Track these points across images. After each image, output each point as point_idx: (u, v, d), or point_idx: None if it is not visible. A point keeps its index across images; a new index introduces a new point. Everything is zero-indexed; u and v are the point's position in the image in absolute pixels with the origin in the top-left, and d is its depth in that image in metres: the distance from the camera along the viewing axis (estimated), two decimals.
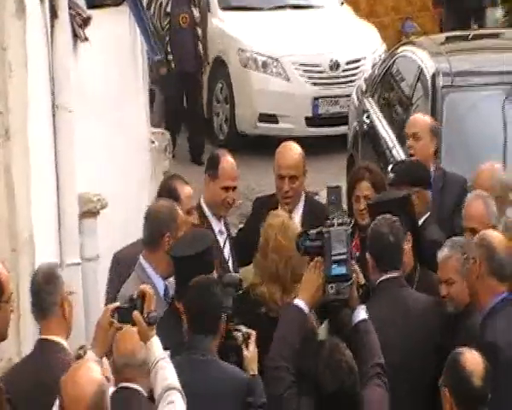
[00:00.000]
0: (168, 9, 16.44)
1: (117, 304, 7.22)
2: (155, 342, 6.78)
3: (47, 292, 7.44)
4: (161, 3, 16.39)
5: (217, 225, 9.55)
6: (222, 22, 18.66)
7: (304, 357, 7.04)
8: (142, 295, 6.92)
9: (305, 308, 7.17)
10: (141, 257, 8.55)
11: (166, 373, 6.68)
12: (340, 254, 7.06)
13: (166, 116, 16.43)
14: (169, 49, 16.28)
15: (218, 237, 9.45)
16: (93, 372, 6.12)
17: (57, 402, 6.24)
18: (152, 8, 16.44)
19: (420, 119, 11.24)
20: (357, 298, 7.28)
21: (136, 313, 6.77)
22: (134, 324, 6.87)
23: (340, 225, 7.33)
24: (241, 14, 18.35)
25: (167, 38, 16.28)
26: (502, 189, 9.58)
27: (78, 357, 7.73)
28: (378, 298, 7.92)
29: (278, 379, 6.98)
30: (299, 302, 7.17)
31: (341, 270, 7.05)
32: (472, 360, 6.74)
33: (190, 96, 16.62)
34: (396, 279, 7.91)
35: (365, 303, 7.49)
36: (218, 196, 9.62)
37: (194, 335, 7.41)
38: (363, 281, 7.58)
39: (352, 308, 7.25)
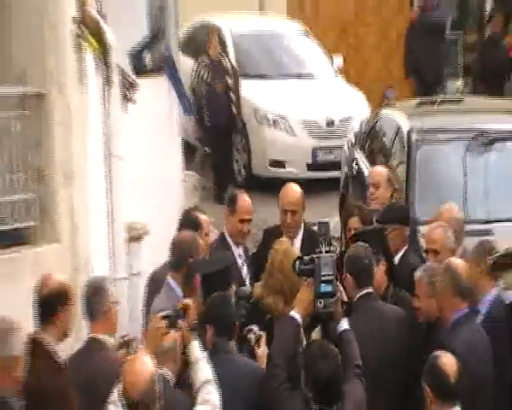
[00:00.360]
0: (208, 80, 16.46)
1: (164, 313, 7.17)
2: (195, 345, 6.93)
3: (94, 301, 7.43)
4: (202, 76, 16.52)
5: (236, 250, 9.52)
6: (241, 88, 18.77)
7: (296, 357, 7.13)
8: (185, 307, 7.09)
9: (299, 319, 7.24)
10: (168, 277, 8.49)
11: (204, 370, 6.78)
12: (327, 275, 7.18)
13: (213, 167, 16.61)
14: (207, 111, 16.27)
15: (238, 260, 9.46)
16: (146, 364, 6.34)
17: (118, 387, 6.44)
18: (195, 78, 16.72)
19: (378, 170, 11.38)
20: (341, 312, 7.38)
21: (180, 321, 6.93)
22: (178, 329, 6.99)
23: (327, 252, 7.42)
24: (256, 82, 18.42)
25: (206, 102, 16.30)
26: (457, 224, 9.57)
27: (121, 344, 7.98)
28: (357, 311, 8.02)
29: (275, 375, 6.99)
30: (295, 314, 7.22)
31: (328, 288, 7.17)
32: (447, 362, 6.84)
33: (223, 149, 16.50)
34: (371, 294, 8.04)
35: (347, 317, 7.56)
36: (236, 227, 9.63)
37: (217, 338, 7.32)
38: (345, 298, 7.73)
39: (336, 320, 7.30)
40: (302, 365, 6.83)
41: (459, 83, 20.11)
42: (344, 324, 7.32)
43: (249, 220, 9.76)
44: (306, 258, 7.41)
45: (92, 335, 7.38)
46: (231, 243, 9.52)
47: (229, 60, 16.93)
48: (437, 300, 7.89)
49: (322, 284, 7.12)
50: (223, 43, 18.85)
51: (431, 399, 6.98)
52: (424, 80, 19.35)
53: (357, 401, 6.84)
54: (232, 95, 16.27)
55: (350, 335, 7.32)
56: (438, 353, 7.08)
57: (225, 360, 7.26)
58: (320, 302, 7.11)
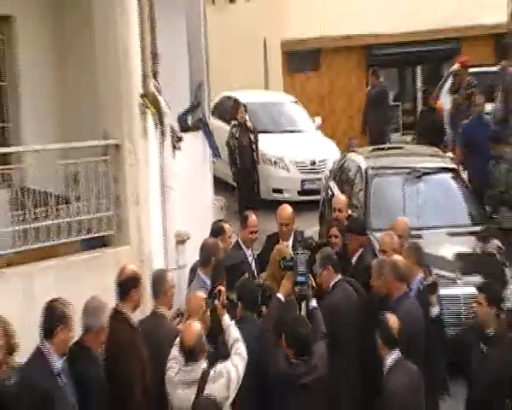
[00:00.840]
0: (237, 136, 16.40)
1: (205, 296, 7.32)
2: (226, 318, 6.90)
3: (157, 284, 7.54)
4: (233, 133, 16.44)
5: (247, 252, 9.51)
6: None
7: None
8: (219, 291, 7.07)
9: (282, 298, 7.33)
10: (199, 271, 8.55)
11: (234, 333, 6.72)
12: (302, 270, 7.36)
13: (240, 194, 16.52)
14: (237, 157, 16.25)
15: (249, 258, 9.47)
16: (196, 326, 6.60)
17: (175, 345, 6.72)
18: (229, 135, 16.54)
19: (340, 197, 11.21)
20: (311, 294, 7.49)
21: (216, 302, 6.97)
22: (214, 308, 7.05)
23: (302, 253, 7.63)
24: (262, 135, 18.00)
25: (237, 151, 16.27)
26: (406, 230, 9.59)
27: (177, 315, 8.09)
28: (337, 290, 7.95)
29: (265, 338, 7.06)
30: (280, 295, 7.36)
31: (302, 279, 7.34)
32: (392, 320, 6.98)
33: (249, 183, 16.37)
34: (343, 278, 8.09)
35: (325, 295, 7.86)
36: (247, 236, 9.60)
37: (244, 311, 7.35)
38: (314, 285, 7.82)
39: (308, 300, 7.46)
40: (284, 331, 6.87)
41: (408, 138, 19.92)
42: (313, 303, 7.50)
43: (256, 231, 9.76)
44: (288, 257, 7.63)
45: (155, 309, 7.49)
46: (243, 246, 9.52)
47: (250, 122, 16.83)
48: (384, 282, 7.92)
49: (299, 277, 7.33)
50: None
51: (380, 345, 7.09)
52: (371, 134, 19.16)
53: (321, 355, 6.90)
54: (254, 146, 16.27)
55: (318, 311, 7.45)
56: (386, 314, 7.17)
57: (250, 327, 7.17)
58: (297, 288, 7.35)
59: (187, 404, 6.24)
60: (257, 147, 16.47)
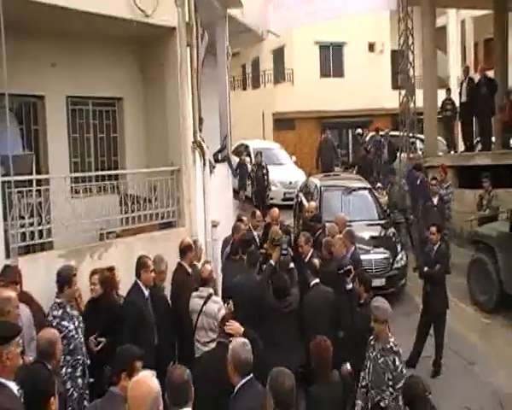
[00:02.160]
0: (255, 170, 16.38)
1: None
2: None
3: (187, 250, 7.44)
4: (253, 169, 16.49)
5: (255, 233, 9.37)
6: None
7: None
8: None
9: (273, 263, 7.13)
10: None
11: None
12: (285, 247, 7.22)
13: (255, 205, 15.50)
14: (255, 184, 16.12)
15: (256, 237, 9.26)
16: (209, 267, 6.74)
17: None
18: (245, 168, 16.67)
19: (312, 204, 10.90)
20: (289, 260, 7.36)
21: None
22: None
23: (285, 237, 7.54)
24: None
25: (255, 181, 16.18)
26: (344, 222, 9.45)
27: (205, 262, 7.73)
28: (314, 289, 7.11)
29: (264, 289, 6.76)
30: (272, 261, 7.15)
31: (285, 252, 7.22)
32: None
33: (261, 199, 15.88)
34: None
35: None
36: (255, 224, 9.51)
37: (249, 269, 7.18)
38: (292, 254, 7.74)
39: (288, 263, 7.26)
40: (271, 283, 6.72)
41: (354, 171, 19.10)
42: (291, 265, 7.32)
43: (259, 221, 9.69)
44: (277, 238, 7.51)
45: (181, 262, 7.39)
46: (253, 230, 9.37)
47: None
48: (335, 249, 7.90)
49: (283, 251, 7.19)
50: (249, 153, 18.78)
51: (361, 291, 6.81)
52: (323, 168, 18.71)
53: (295, 296, 6.66)
54: (265, 177, 16.05)
55: (294, 270, 7.30)
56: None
57: (252, 277, 7.03)
58: (282, 258, 7.20)
59: (197, 307, 6.34)
60: (268, 177, 16.19)
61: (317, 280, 7.08)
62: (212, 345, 5.67)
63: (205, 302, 6.34)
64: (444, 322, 8.71)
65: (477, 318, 9.97)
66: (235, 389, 4.32)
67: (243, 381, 4.31)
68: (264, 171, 16.14)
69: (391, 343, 5.62)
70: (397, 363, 5.53)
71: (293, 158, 20.36)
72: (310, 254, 7.78)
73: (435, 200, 12.09)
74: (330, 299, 6.91)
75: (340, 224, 9.23)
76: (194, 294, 6.56)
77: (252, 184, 16.12)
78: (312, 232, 8.80)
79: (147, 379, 3.09)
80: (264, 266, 7.38)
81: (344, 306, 7.00)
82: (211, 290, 6.50)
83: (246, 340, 4.57)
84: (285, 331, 6.39)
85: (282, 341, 6.30)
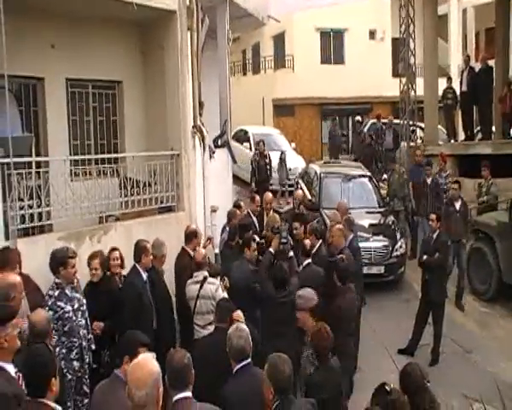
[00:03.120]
0: (257, 159, 15.52)
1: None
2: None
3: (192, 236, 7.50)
4: (255, 158, 15.57)
5: (254, 218, 9.31)
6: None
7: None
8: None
9: (273, 251, 6.97)
10: (226, 225, 8.62)
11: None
12: (284, 236, 7.03)
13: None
14: (256, 173, 15.29)
15: (255, 221, 9.22)
16: (203, 251, 6.80)
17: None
18: (251, 159, 15.75)
19: (300, 193, 10.96)
20: (289, 248, 7.17)
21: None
22: None
23: (284, 225, 7.30)
24: None
25: (257, 169, 15.31)
26: (345, 208, 9.45)
27: (207, 239, 8.13)
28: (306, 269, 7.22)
29: (262, 279, 6.67)
30: (271, 249, 6.99)
31: (284, 241, 7.02)
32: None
33: (264, 184, 14.87)
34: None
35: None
36: (254, 208, 9.48)
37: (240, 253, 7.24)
38: (292, 243, 7.54)
39: (287, 252, 7.08)
40: (270, 273, 6.63)
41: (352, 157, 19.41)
42: (291, 254, 7.13)
43: (259, 205, 9.62)
44: (276, 226, 7.32)
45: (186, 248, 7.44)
46: (252, 214, 9.35)
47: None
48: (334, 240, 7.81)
49: (282, 239, 7.00)
50: (248, 138, 18.79)
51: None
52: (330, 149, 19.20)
53: (294, 285, 6.49)
54: (268, 166, 15.35)
55: (293, 258, 7.11)
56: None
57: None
58: (281, 245, 7.02)
59: (194, 293, 6.34)
60: (271, 167, 15.58)
61: (309, 260, 7.20)
62: (211, 327, 5.65)
63: (201, 286, 6.35)
64: (442, 311, 8.73)
65: (475, 307, 9.99)
66: (233, 373, 4.35)
67: (239, 365, 4.35)
68: (267, 160, 15.53)
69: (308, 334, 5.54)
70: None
71: (293, 144, 20.29)
72: (318, 246, 7.64)
73: (458, 205, 10.70)
74: (320, 278, 6.94)
75: (342, 210, 9.20)
76: (189, 281, 6.52)
77: (253, 173, 15.58)
78: (306, 220, 8.71)
79: (147, 361, 3.08)
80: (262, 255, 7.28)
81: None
82: (205, 273, 6.48)
83: (241, 326, 4.58)
84: (284, 321, 6.27)
85: (282, 331, 6.23)
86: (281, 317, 6.27)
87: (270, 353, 4.22)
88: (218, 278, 6.66)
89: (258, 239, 7.68)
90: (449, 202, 10.91)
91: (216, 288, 6.28)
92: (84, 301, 5.95)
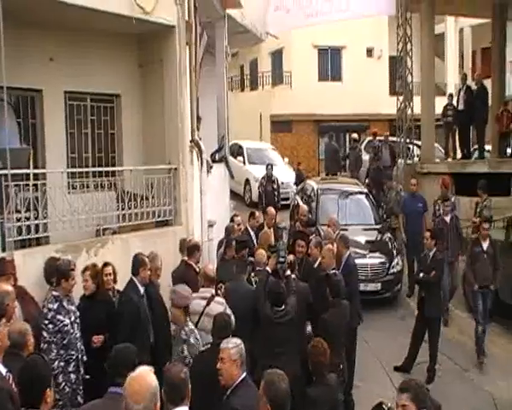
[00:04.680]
0: (264, 184, 15.00)
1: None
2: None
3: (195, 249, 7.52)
4: (261, 183, 15.12)
5: (252, 233, 9.38)
6: (248, 166, 18.58)
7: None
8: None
9: (270, 270, 6.81)
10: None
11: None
12: (282, 255, 6.86)
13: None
14: (264, 198, 14.66)
15: (253, 237, 9.21)
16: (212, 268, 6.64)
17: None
18: (258, 184, 15.44)
19: (305, 207, 11.00)
20: (286, 268, 6.93)
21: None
22: None
23: (281, 243, 7.31)
24: (256, 166, 18.11)
25: (264, 195, 14.71)
26: (337, 224, 9.43)
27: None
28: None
29: (259, 296, 6.51)
30: (268, 268, 6.85)
31: (282, 260, 6.83)
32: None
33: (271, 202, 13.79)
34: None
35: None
36: (253, 224, 9.58)
37: (238, 274, 7.08)
38: (291, 259, 7.28)
39: (285, 272, 6.89)
40: (267, 290, 6.48)
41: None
42: (288, 272, 6.94)
43: (258, 222, 9.68)
44: (273, 244, 7.34)
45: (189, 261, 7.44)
46: (250, 230, 9.40)
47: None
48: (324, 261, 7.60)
49: (280, 258, 6.82)
50: (242, 152, 19.00)
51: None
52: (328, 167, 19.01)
53: (292, 304, 6.38)
54: (276, 192, 14.80)
55: (291, 277, 6.91)
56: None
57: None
58: (279, 265, 6.83)
59: (199, 308, 6.09)
60: (279, 192, 14.91)
61: (293, 275, 7.11)
62: None
63: (207, 303, 6.15)
64: (438, 328, 8.76)
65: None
66: (232, 387, 4.32)
67: (240, 379, 4.30)
68: (275, 186, 14.83)
69: (185, 331, 5.44)
70: (185, 353, 5.37)
71: (286, 159, 20.41)
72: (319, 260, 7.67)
73: (485, 245, 9.55)
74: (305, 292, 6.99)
75: (332, 225, 9.22)
76: (194, 294, 6.24)
77: (260, 199, 14.69)
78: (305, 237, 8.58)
79: (145, 375, 3.07)
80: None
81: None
82: (213, 291, 6.36)
83: (236, 340, 4.55)
84: (281, 341, 6.20)
85: (279, 351, 6.11)
86: (278, 337, 6.20)
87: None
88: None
89: (251, 259, 7.64)
90: (475, 242, 9.78)
91: (224, 309, 6.05)
92: (78, 313, 5.94)
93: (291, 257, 7.35)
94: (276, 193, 14.69)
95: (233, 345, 4.41)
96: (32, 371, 3.40)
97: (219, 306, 6.09)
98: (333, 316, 6.56)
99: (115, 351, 4.05)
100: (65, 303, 5.76)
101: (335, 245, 8.00)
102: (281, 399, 3.76)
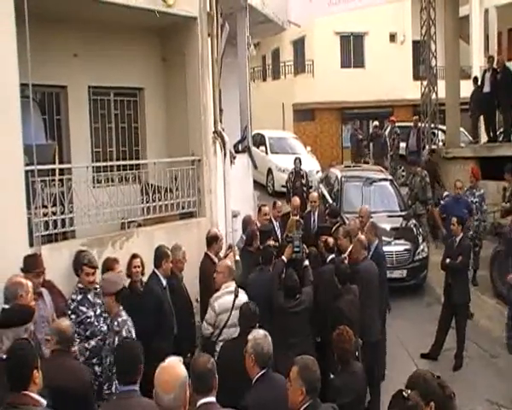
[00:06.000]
0: (292, 180, 13.98)
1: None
2: None
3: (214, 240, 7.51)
4: (289, 178, 14.05)
5: (275, 223, 9.35)
6: (271, 156, 18.46)
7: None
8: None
9: (285, 260, 6.83)
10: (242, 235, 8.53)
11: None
12: (297, 245, 6.87)
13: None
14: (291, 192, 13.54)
15: (276, 228, 9.25)
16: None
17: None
18: (286, 179, 14.63)
19: (314, 194, 11.04)
20: (304, 258, 6.98)
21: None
22: None
23: (297, 234, 7.11)
24: (278, 155, 18.15)
25: (291, 191, 13.42)
26: (368, 213, 9.20)
27: (228, 247, 7.97)
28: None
29: (274, 281, 6.57)
30: (284, 258, 6.86)
31: (297, 249, 6.86)
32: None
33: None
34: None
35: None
36: (275, 214, 9.54)
37: (263, 266, 7.04)
38: (307, 251, 7.23)
39: (302, 261, 6.93)
40: (282, 281, 6.50)
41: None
42: (306, 262, 7.00)
43: (280, 211, 9.63)
44: (290, 235, 7.22)
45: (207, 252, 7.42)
46: (274, 220, 9.35)
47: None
48: (353, 251, 7.53)
49: (295, 248, 6.85)
50: (264, 142, 18.95)
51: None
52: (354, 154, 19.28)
53: (307, 294, 6.42)
54: (305, 188, 13.76)
55: (308, 268, 6.92)
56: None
57: (266, 274, 6.87)
58: (294, 254, 6.87)
59: (229, 305, 5.93)
60: (308, 189, 13.70)
61: (333, 256, 7.37)
62: None
63: (236, 296, 5.99)
64: (465, 314, 8.64)
65: (500, 310, 9.79)
66: (254, 380, 4.30)
67: (263, 371, 4.29)
68: (304, 181, 13.93)
69: (117, 322, 5.18)
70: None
71: (308, 148, 20.24)
72: (349, 250, 7.56)
73: None
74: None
75: (365, 216, 8.99)
76: (219, 293, 6.11)
77: (287, 196, 13.53)
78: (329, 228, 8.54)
79: (175, 365, 3.10)
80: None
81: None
82: (234, 283, 6.20)
83: (266, 332, 4.51)
84: (296, 332, 6.13)
85: (293, 341, 6.04)
86: (292, 327, 6.11)
87: (281, 364, 4.23)
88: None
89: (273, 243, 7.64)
90: None
91: (246, 298, 5.96)
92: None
93: (330, 240, 7.52)
94: (304, 188, 13.69)
95: (251, 337, 4.40)
96: (17, 354, 3.47)
97: (244, 296, 6.03)
98: (345, 304, 6.50)
99: (120, 350, 4.01)
100: (90, 296, 5.82)
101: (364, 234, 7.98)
102: (314, 382, 3.82)
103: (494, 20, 27.70)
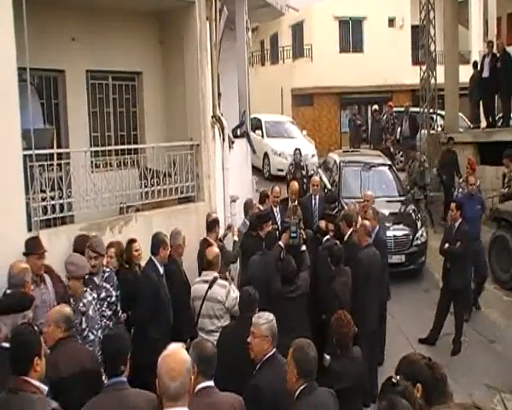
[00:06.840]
0: (292, 171, 13.92)
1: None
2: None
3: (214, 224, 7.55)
4: (290, 169, 14.04)
5: (274, 208, 9.33)
6: (267, 140, 18.34)
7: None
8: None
9: (282, 245, 6.94)
10: (244, 218, 8.61)
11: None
12: (293, 230, 6.95)
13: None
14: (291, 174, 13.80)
15: (275, 212, 9.24)
16: (216, 249, 6.30)
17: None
18: (286, 171, 14.57)
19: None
20: (301, 243, 7.03)
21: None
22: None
23: (294, 219, 7.25)
24: (274, 139, 18.10)
25: (289, 178, 13.19)
26: (371, 198, 9.06)
27: (227, 228, 8.20)
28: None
29: (271, 266, 6.65)
30: (280, 243, 6.97)
31: (294, 235, 6.94)
32: None
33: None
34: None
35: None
36: (274, 200, 9.48)
37: (266, 249, 7.10)
38: (304, 236, 7.26)
39: (300, 246, 6.98)
40: (279, 267, 6.55)
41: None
42: (303, 247, 7.05)
43: (278, 197, 9.54)
44: (286, 220, 7.32)
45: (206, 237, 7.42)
46: (272, 205, 9.31)
47: None
48: (357, 236, 7.48)
49: (291, 233, 6.93)
50: (261, 126, 18.78)
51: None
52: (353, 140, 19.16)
53: (304, 279, 6.47)
54: (305, 180, 13.56)
55: (305, 253, 7.00)
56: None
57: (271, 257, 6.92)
58: (291, 239, 6.94)
59: (201, 293, 5.92)
60: (308, 180, 13.31)
61: (328, 236, 7.53)
62: (217, 335, 5.41)
63: (209, 287, 5.89)
64: (464, 300, 8.66)
65: (498, 296, 9.82)
66: (261, 362, 4.31)
67: (269, 354, 4.33)
68: (304, 172, 13.84)
69: (83, 303, 5.23)
70: (83, 325, 5.19)
71: (304, 132, 20.20)
72: (349, 233, 7.59)
73: None
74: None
75: (370, 201, 8.87)
76: (197, 279, 6.19)
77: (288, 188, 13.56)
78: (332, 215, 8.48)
79: (178, 351, 3.04)
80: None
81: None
82: (215, 274, 6.06)
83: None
84: (293, 317, 6.13)
85: (290, 326, 5.82)
86: (289, 312, 6.11)
87: (279, 348, 4.21)
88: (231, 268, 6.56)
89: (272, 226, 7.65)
90: None
91: (227, 292, 5.86)
92: (114, 293, 6.00)
93: (322, 223, 7.69)
94: (304, 180, 13.51)
95: (265, 321, 4.37)
96: (19, 339, 3.42)
97: (222, 289, 5.91)
98: (340, 284, 6.59)
99: (107, 342, 3.86)
100: (96, 278, 5.83)
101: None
102: (309, 365, 3.79)
103: (493, 5, 27.38)
